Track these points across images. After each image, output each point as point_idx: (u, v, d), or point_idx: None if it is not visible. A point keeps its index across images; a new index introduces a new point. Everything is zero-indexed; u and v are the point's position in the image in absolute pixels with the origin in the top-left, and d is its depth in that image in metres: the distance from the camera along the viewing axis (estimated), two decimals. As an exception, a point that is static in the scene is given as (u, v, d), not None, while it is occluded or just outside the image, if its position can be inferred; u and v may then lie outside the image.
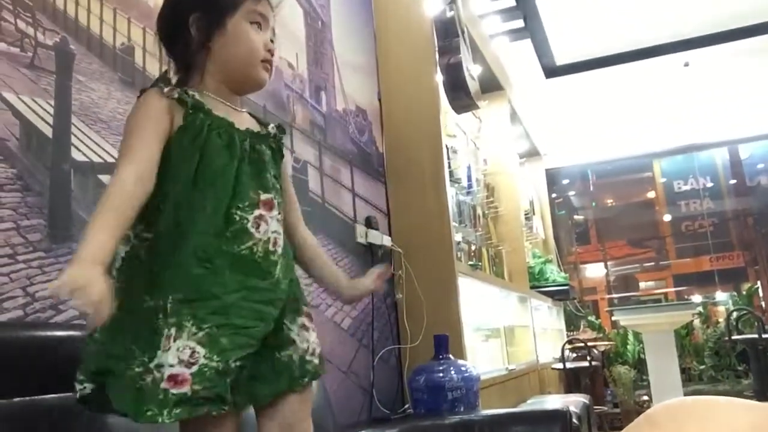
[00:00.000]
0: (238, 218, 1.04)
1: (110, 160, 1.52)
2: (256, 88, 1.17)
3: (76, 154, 1.44)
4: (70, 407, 1.02)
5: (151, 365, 0.93)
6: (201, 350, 0.95)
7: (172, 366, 0.93)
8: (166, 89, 1.05)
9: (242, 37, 1.11)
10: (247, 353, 1.01)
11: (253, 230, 1.04)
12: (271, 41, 1.15)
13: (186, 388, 0.93)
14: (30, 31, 1.40)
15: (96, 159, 1.49)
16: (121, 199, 0.94)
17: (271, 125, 1.18)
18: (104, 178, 1.50)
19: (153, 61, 1.74)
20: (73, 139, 1.44)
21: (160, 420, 0.91)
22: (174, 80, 1.11)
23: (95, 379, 0.98)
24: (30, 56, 1.38)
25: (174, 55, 1.13)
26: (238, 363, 0.99)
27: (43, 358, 1.07)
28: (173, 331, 0.95)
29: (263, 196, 1.08)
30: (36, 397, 1.03)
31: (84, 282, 0.83)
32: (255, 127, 1.14)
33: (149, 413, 0.91)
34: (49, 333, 1.14)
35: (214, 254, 1.00)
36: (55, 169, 1.39)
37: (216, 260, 1.00)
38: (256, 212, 1.06)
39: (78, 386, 0.98)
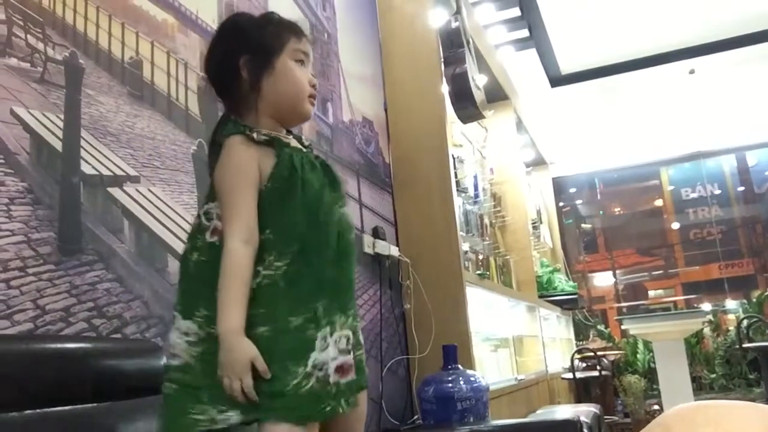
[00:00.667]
0: (343, 227, 1.17)
1: (119, 173, 1.53)
2: (303, 121, 1.29)
3: (85, 168, 1.45)
4: (81, 419, 1.03)
5: (308, 369, 1.02)
6: (351, 337, 1.10)
7: (335, 359, 1.05)
8: (254, 134, 1.12)
9: (289, 75, 1.18)
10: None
11: (350, 233, 1.19)
12: (313, 75, 1.23)
13: (352, 375, 1.08)
14: (40, 46, 1.41)
15: (105, 172, 1.50)
16: (240, 268, 1.04)
17: (304, 139, 1.26)
18: (113, 191, 1.51)
19: (161, 75, 1.75)
20: (83, 153, 1.46)
21: (340, 411, 1.04)
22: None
23: (247, 409, 1.02)
24: (40, 71, 1.40)
25: (227, 97, 1.20)
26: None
27: (53, 370, 1.07)
28: (327, 329, 1.07)
29: (344, 199, 1.21)
30: (47, 409, 1.03)
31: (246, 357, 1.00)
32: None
33: (328, 409, 1.03)
34: (59, 345, 1.14)
35: (341, 257, 1.14)
36: (64, 182, 1.40)
37: (344, 263, 1.15)
38: (344, 211, 1.20)
39: (220, 416, 1.02)
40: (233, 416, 1.02)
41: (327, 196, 1.15)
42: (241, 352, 1.00)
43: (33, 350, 1.08)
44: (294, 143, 1.20)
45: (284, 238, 1.09)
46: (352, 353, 1.09)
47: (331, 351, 1.06)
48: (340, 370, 1.05)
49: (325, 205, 1.14)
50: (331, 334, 1.07)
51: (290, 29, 1.21)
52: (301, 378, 1.01)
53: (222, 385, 1.00)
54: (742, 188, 8.60)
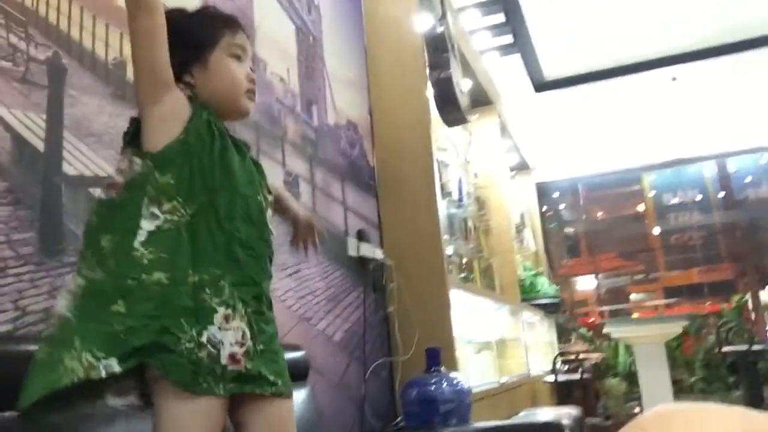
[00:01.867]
0: (263, 213, 1.15)
1: (101, 174, 1.52)
2: (241, 118, 1.23)
3: (67, 168, 1.44)
4: (63, 423, 1.02)
5: (203, 339, 0.99)
6: (248, 332, 1.05)
7: (232, 345, 1.02)
8: (181, 86, 1.12)
9: (224, 71, 1.16)
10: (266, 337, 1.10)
11: (270, 227, 1.17)
12: (252, 70, 1.21)
13: (241, 366, 1.03)
14: (22, 45, 1.40)
15: (87, 173, 1.49)
16: None
17: (242, 144, 1.22)
18: (95, 191, 1.50)
19: (145, 76, 1.74)
20: (65, 153, 1.45)
21: (216, 392, 1.00)
22: None
23: (136, 355, 0.97)
24: (22, 70, 1.39)
25: None
26: (261, 347, 1.07)
27: (33, 372, 1.06)
28: (229, 311, 1.03)
29: (269, 197, 1.20)
30: (26, 411, 1.02)
31: None
32: None
33: (205, 386, 0.99)
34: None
35: (254, 242, 1.10)
36: (46, 182, 1.39)
37: (256, 248, 1.11)
38: (269, 211, 1.18)
39: (97, 363, 0.94)
40: (112, 364, 0.95)
41: (255, 180, 1.15)
42: None
43: (13, 352, 1.07)
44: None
45: (191, 188, 1.05)
46: (245, 346, 1.04)
47: (230, 336, 1.02)
48: (232, 358, 1.02)
49: (246, 181, 1.11)
50: (233, 320, 1.03)
51: (225, 23, 1.18)
52: (194, 345, 0.98)
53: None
54: (722, 194, 8.72)
